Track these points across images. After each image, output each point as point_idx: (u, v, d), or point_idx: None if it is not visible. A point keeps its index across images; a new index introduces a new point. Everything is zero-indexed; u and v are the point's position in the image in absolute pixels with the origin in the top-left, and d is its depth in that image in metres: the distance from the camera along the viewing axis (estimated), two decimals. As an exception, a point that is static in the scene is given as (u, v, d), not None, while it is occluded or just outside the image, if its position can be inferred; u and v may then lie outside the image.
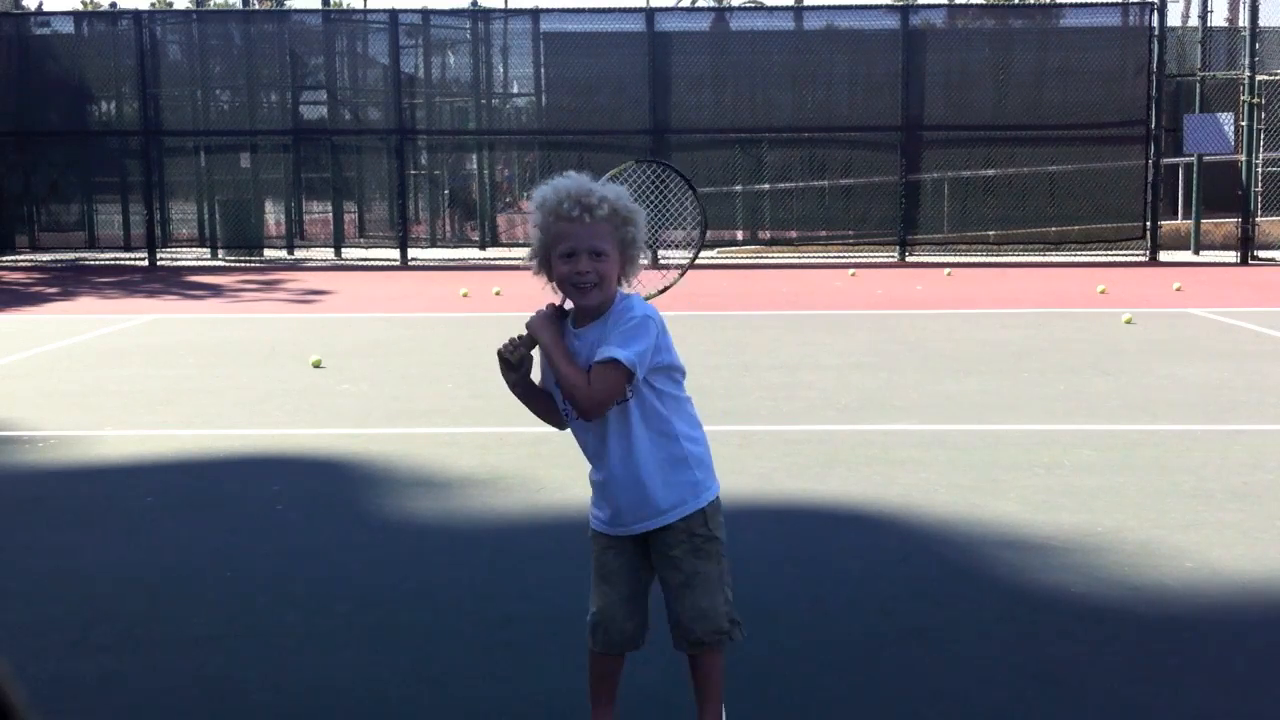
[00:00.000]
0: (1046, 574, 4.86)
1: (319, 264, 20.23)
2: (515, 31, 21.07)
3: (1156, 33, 19.46)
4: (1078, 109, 19.50)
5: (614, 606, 3.29)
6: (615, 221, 3.11)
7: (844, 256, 19.79)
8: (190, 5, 28.91)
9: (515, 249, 21.31)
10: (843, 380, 9.07)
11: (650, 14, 19.96)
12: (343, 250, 21.25)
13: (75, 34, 21.53)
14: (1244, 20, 19.92)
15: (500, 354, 3.18)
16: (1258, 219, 19.51)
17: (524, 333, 3.20)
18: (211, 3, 36.46)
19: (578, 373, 3.10)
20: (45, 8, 38.37)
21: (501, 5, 30.11)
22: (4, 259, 20.46)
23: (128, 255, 20.57)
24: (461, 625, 4.42)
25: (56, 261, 20.41)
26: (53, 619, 4.52)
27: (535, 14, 20.44)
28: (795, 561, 4.99)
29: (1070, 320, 12.62)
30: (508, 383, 3.25)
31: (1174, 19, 21.82)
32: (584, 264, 3.08)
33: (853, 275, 17.40)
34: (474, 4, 21.42)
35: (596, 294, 3.12)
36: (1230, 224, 20.05)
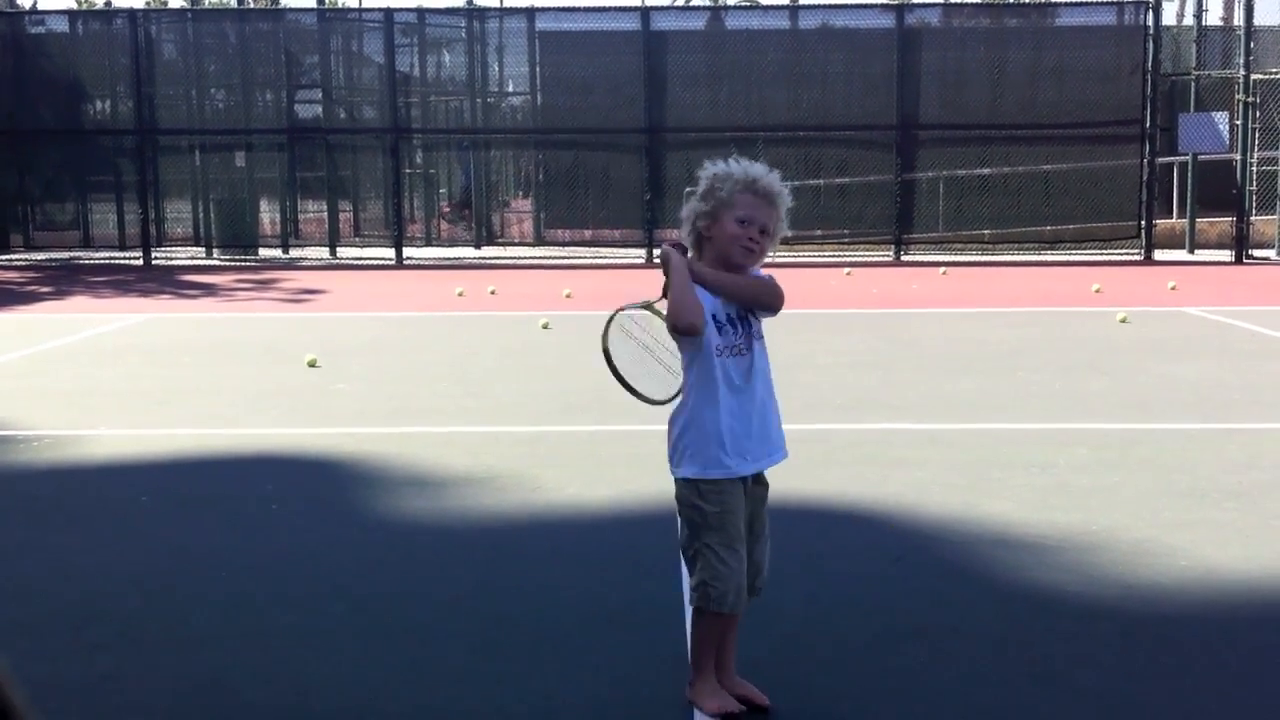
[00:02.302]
0: (1041, 573, 4.87)
1: (314, 263, 20.21)
2: (510, 30, 21.06)
3: (1151, 32, 19.48)
4: (1073, 108, 19.52)
5: (744, 563, 3.57)
6: (780, 213, 3.64)
7: (839, 255, 19.80)
8: (185, 4, 28.87)
9: (510, 248, 21.33)
10: (838, 379, 9.07)
11: (645, 13, 19.95)
12: (338, 249, 21.23)
13: (70, 33, 21.52)
14: (1239, 19, 19.94)
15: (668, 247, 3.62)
16: (1252, 218, 19.53)
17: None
18: (206, 1, 36.40)
19: (748, 278, 3.60)
20: (40, 6, 38.29)
21: (497, 4, 30.11)
22: (-1, 258, 20.45)
23: (122, 254, 20.55)
24: (457, 625, 4.42)
25: (51, 260, 20.38)
26: (48, 619, 4.52)
27: (530, 13, 20.43)
28: (790, 560, 4.98)
29: (1065, 319, 12.63)
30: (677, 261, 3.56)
31: (1169, 18, 21.86)
32: (754, 233, 3.58)
33: (848, 274, 17.40)
34: (469, 3, 21.42)
35: (754, 259, 3.61)
36: (1225, 223, 20.07)
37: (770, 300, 3.60)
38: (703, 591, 3.54)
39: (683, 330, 3.47)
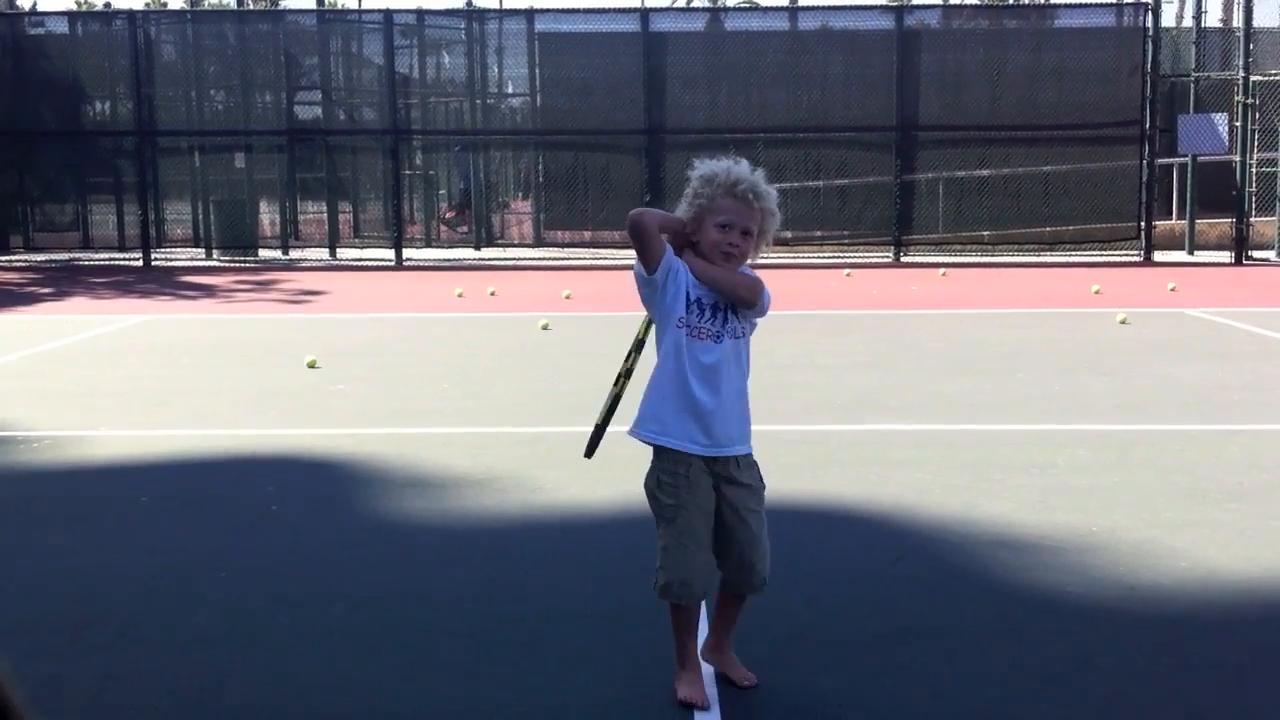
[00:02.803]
0: (1042, 574, 4.87)
1: (314, 264, 20.21)
2: (510, 32, 21.06)
3: (1151, 33, 19.48)
4: (1072, 109, 19.52)
5: (703, 557, 3.65)
6: (765, 214, 3.64)
7: (839, 257, 19.80)
8: (185, 5, 28.89)
9: (510, 249, 21.33)
10: (838, 380, 9.07)
11: (645, 14, 19.95)
12: (337, 250, 21.22)
13: (70, 34, 21.51)
14: (1238, 21, 19.94)
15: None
16: (1252, 219, 19.53)
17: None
18: (206, 3, 36.42)
19: (729, 269, 3.63)
20: (40, 8, 38.30)
21: (496, 5, 30.12)
22: (-2, 259, 20.46)
23: (122, 255, 20.54)
24: (457, 625, 4.41)
25: (51, 262, 20.37)
26: (48, 619, 4.51)
27: (530, 14, 20.43)
28: (790, 561, 4.99)
29: (1065, 320, 12.63)
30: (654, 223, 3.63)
31: (1168, 19, 21.84)
32: (735, 237, 3.60)
33: (848, 275, 17.41)
34: (469, 4, 21.42)
35: (735, 263, 3.63)
36: (1224, 224, 20.07)
37: (746, 294, 3.61)
38: (656, 577, 3.69)
39: (630, 226, 3.56)
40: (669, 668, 3.82)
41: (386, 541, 5.41)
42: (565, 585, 4.79)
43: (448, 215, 22.52)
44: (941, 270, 17.92)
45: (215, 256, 20.58)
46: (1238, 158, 19.22)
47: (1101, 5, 20.01)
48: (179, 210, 21.77)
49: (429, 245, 21.62)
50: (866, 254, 19.90)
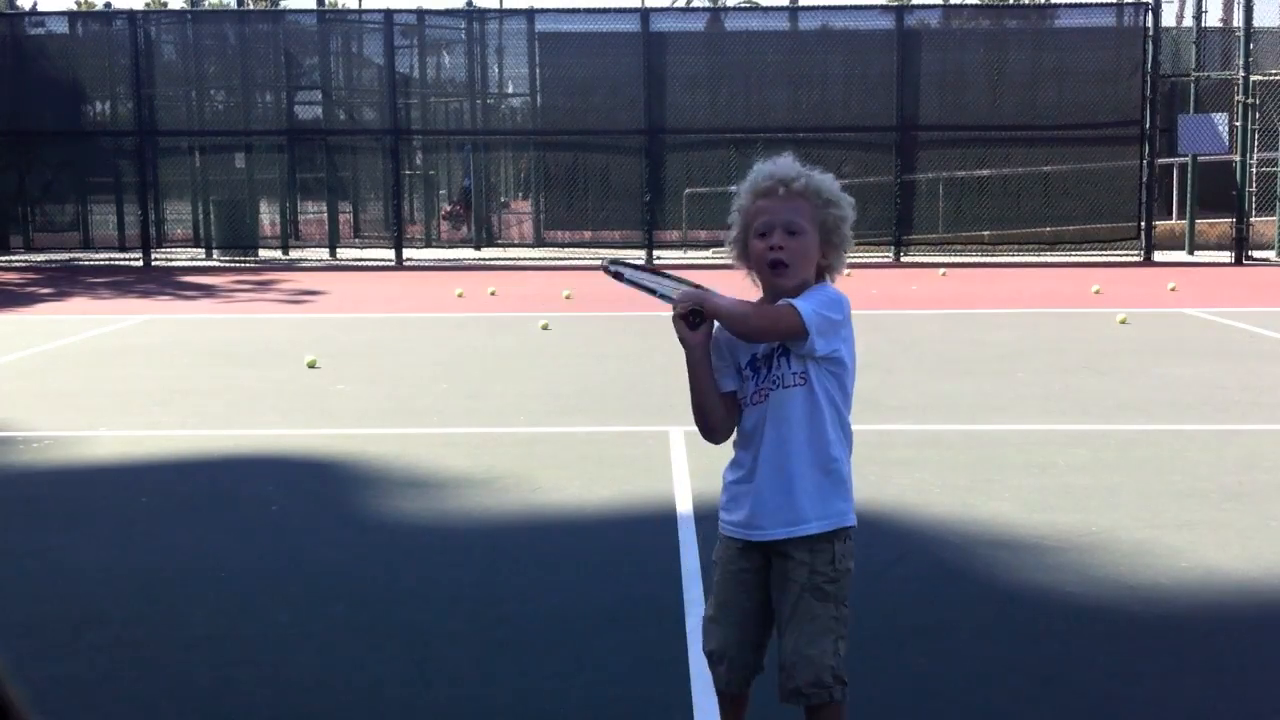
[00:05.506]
0: (1042, 574, 4.86)
1: (314, 264, 20.21)
2: (510, 31, 21.07)
3: (1151, 33, 19.48)
4: (1072, 109, 19.53)
5: (732, 635, 3.01)
6: (816, 201, 2.94)
7: (839, 257, 19.79)
8: (185, 5, 28.89)
9: (510, 249, 21.33)
10: (838, 380, 9.06)
11: (645, 14, 19.96)
12: (337, 250, 21.23)
13: (70, 34, 21.54)
14: (1238, 21, 19.95)
15: (677, 315, 2.90)
16: (1252, 219, 19.53)
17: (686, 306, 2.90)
18: (206, 3, 36.39)
19: (741, 303, 2.91)
20: (40, 8, 38.30)
21: (496, 5, 30.12)
22: (-2, 259, 20.46)
23: (122, 256, 20.55)
24: (457, 625, 4.41)
25: (51, 262, 20.38)
26: (47, 619, 4.51)
27: (530, 14, 20.43)
28: (791, 561, 4.98)
29: (1065, 320, 12.63)
30: (690, 346, 2.91)
31: (1168, 19, 21.85)
32: (777, 238, 2.88)
33: (848, 275, 17.34)
34: (469, 4, 21.41)
35: (790, 274, 2.90)
36: (1224, 224, 20.07)
37: (779, 333, 2.89)
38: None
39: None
40: (669, 668, 3.82)
41: (386, 541, 5.41)
42: (565, 584, 4.79)
43: (446, 210, 22.54)
44: (941, 270, 17.92)
45: (215, 256, 20.58)
46: (1238, 158, 19.22)
47: (1101, 5, 20.02)
48: (179, 210, 21.79)
49: (429, 245, 21.63)
50: (866, 254, 19.89)
